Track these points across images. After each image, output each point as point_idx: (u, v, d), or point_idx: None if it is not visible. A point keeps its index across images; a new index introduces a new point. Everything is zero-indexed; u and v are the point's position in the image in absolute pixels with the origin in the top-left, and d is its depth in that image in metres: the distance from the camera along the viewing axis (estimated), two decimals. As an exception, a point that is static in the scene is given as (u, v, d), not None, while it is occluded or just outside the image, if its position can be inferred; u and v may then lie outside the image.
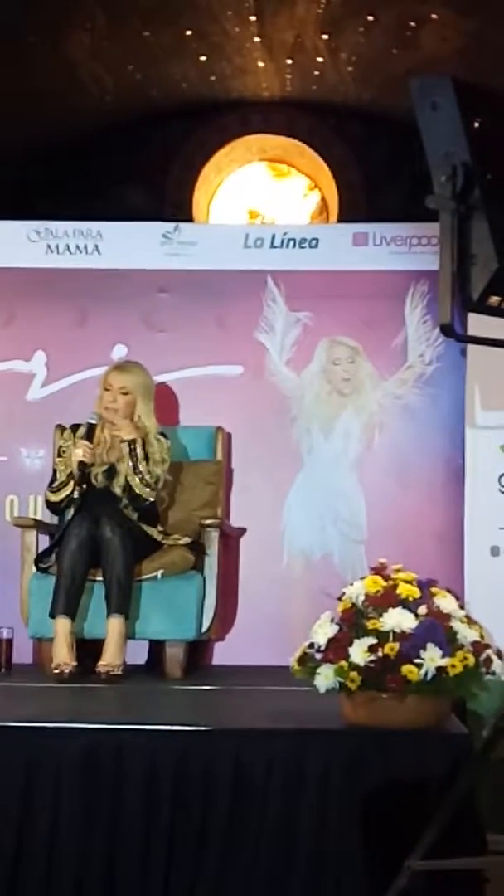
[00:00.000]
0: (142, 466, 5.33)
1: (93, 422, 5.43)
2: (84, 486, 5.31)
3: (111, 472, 5.39)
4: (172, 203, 8.18)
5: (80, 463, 5.30)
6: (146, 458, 5.36)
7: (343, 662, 3.45)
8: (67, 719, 3.73)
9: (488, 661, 3.51)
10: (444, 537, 5.95)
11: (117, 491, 5.34)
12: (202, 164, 8.32)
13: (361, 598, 3.54)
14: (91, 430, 5.41)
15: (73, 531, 5.17)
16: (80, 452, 5.32)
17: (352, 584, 3.61)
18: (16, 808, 3.44)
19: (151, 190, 8.17)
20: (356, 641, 3.45)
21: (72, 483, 5.33)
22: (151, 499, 5.37)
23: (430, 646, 3.42)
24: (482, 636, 3.54)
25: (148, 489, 5.33)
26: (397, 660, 3.41)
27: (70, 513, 5.38)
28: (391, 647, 3.41)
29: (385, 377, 6.23)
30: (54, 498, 5.41)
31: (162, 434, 5.49)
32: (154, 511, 5.46)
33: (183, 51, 7.32)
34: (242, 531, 6.10)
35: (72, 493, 5.35)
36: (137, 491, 5.31)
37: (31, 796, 3.45)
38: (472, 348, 5.69)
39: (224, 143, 8.33)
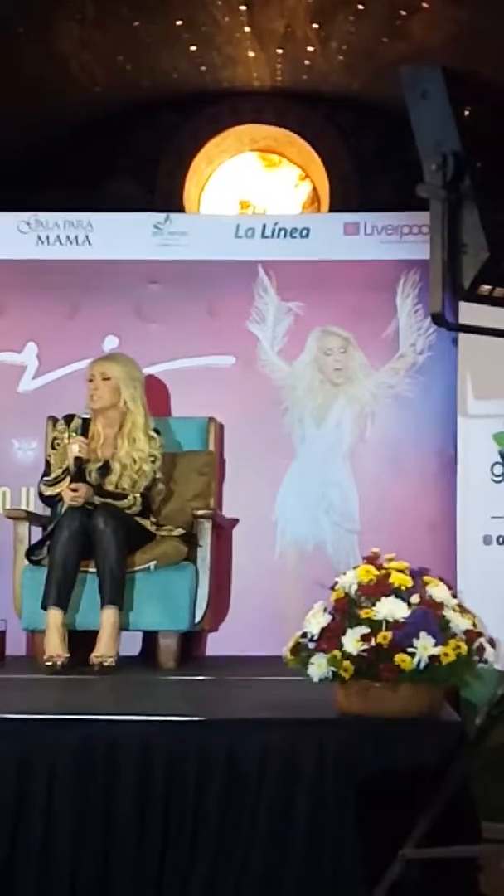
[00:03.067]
0: (126, 483, 5.33)
1: (87, 416, 5.41)
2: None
3: (105, 468, 5.39)
4: (163, 193, 8.16)
5: (77, 458, 5.29)
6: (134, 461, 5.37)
7: (336, 652, 3.45)
8: (61, 711, 3.74)
9: (481, 649, 3.52)
10: (437, 526, 5.96)
11: (110, 488, 5.34)
12: (193, 154, 8.30)
13: (354, 587, 3.55)
14: (86, 424, 5.39)
15: (65, 523, 5.17)
16: (75, 448, 5.30)
17: (344, 574, 3.62)
18: (9, 799, 3.44)
19: (142, 180, 8.16)
20: (349, 631, 3.46)
21: (68, 479, 5.30)
22: (131, 503, 5.35)
23: (422, 634, 3.42)
24: (475, 625, 3.55)
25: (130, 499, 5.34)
26: (390, 649, 3.41)
27: (63, 505, 5.37)
28: (384, 636, 3.42)
29: (377, 367, 6.23)
30: (50, 492, 5.40)
31: (155, 430, 5.48)
32: (147, 502, 5.46)
33: (173, 41, 7.30)
34: (235, 522, 6.10)
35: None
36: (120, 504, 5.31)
37: (25, 787, 3.45)
38: (463, 337, 5.69)
39: (215, 134, 8.31)
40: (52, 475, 5.40)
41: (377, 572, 3.56)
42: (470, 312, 3.00)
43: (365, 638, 3.43)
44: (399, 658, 3.40)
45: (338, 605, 3.55)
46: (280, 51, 7.51)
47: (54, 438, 5.53)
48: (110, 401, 5.45)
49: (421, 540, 5.80)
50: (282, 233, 6.32)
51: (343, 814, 3.40)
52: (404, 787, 3.38)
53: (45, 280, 6.28)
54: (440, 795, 3.10)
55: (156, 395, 5.94)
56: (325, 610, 3.57)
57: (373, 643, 3.42)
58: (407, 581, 3.53)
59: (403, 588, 3.52)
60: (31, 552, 5.39)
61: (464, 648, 3.46)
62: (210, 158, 8.41)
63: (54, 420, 5.66)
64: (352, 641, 3.43)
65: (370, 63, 7.43)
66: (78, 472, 5.28)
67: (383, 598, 3.49)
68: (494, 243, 2.79)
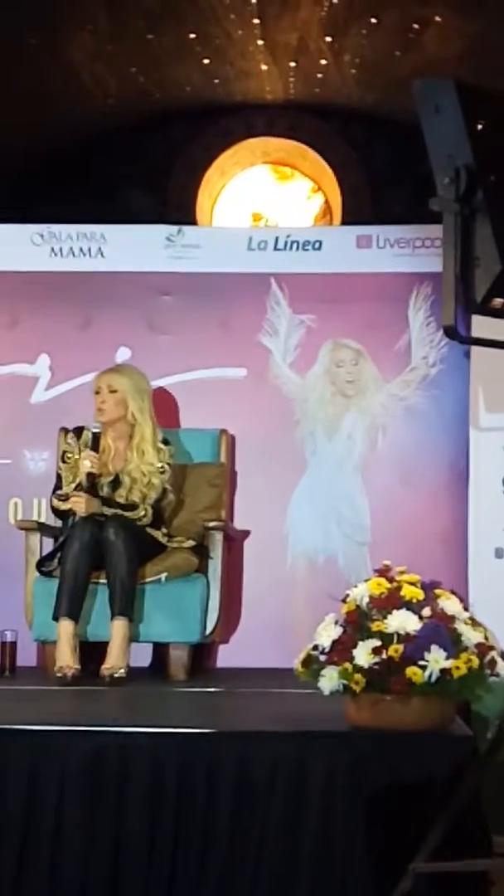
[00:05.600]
0: (136, 496, 5.34)
1: (97, 430, 5.41)
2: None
3: (116, 481, 5.39)
4: (176, 206, 8.18)
5: (89, 474, 5.29)
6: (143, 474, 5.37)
7: (347, 664, 3.45)
8: (71, 722, 3.74)
9: (493, 662, 3.51)
10: (448, 539, 5.95)
11: (120, 501, 5.34)
12: (205, 167, 8.32)
13: (365, 599, 3.54)
14: (96, 438, 5.40)
15: (76, 534, 5.17)
16: (87, 464, 5.30)
17: (356, 586, 3.62)
18: (20, 810, 3.45)
19: (155, 193, 8.18)
20: (360, 643, 3.46)
21: (81, 493, 5.30)
22: (141, 514, 5.35)
23: (434, 648, 3.42)
24: (486, 638, 3.55)
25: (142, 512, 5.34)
26: (401, 662, 3.41)
27: (75, 516, 5.37)
28: (395, 649, 3.41)
29: (389, 379, 6.23)
30: (63, 507, 5.39)
31: (164, 441, 5.49)
32: (158, 514, 5.46)
33: (186, 54, 7.32)
34: (246, 533, 6.10)
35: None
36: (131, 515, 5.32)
37: (36, 799, 3.45)
38: (475, 350, 5.69)
39: (227, 146, 8.33)
40: (64, 491, 5.41)
41: (388, 585, 3.56)
42: (482, 325, 3.01)
43: (376, 651, 3.43)
44: (410, 671, 3.40)
45: (349, 617, 3.55)
46: (293, 64, 7.52)
47: (64, 452, 5.53)
48: (117, 413, 5.45)
49: (432, 552, 5.79)
50: (294, 245, 6.32)
51: (353, 827, 3.40)
52: (415, 800, 3.38)
53: (58, 292, 6.29)
54: (451, 809, 3.10)
55: (168, 406, 5.95)
56: (336, 622, 3.57)
57: (384, 656, 3.42)
58: (418, 594, 3.53)
59: (415, 601, 3.52)
60: (43, 563, 5.40)
61: (475, 662, 3.45)
62: (223, 171, 8.43)
63: (65, 431, 5.67)
64: (363, 654, 3.43)
65: (383, 76, 7.44)
66: (90, 486, 5.28)
67: (395, 611, 3.48)
68: (507, 257, 2.80)
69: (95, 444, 5.39)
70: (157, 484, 5.40)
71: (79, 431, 5.52)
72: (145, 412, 5.48)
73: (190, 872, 3.42)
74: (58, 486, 5.48)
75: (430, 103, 2.88)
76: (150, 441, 5.45)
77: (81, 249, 6.32)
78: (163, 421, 5.65)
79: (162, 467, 5.42)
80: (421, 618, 3.48)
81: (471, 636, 3.50)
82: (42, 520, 5.86)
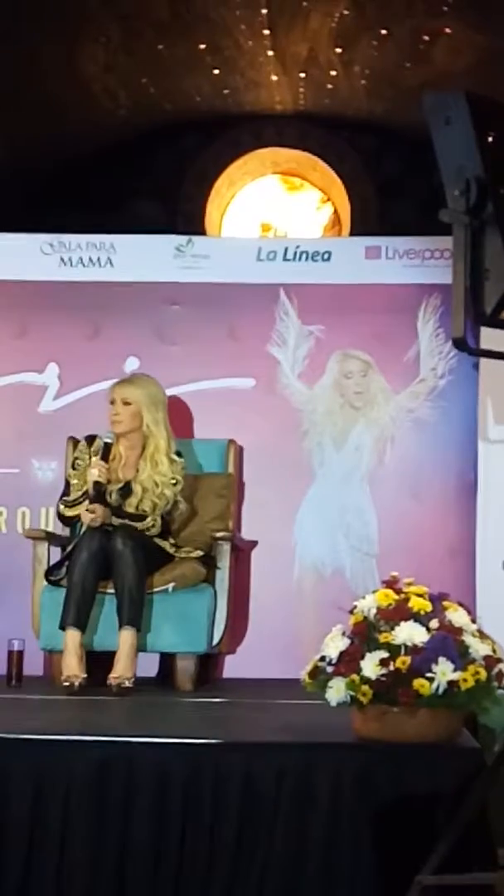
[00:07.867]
0: (147, 505, 5.34)
1: (108, 441, 5.42)
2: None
3: (126, 489, 5.39)
4: (185, 216, 8.19)
5: (96, 483, 5.29)
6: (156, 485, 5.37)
7: (354, 676, 3.44)
8: (78, 731, 3.73)
9: (500, 675, 3.51)
10: (456, 551, 5.94)
11: (130, 510, 5.34)
12: (215, 177, 8.33)
13: (373, 611, 3.54)
14: (107, 448, 5.41)
15: (84, 543, 5.18)
16: (95, 472, 5.31)
17: (363, 598, 3.61)
18: (26, 819, 3.44)
19: (164, 203, 8.19)
20: (368, 655, 3.45)
21: (87, 501, 5.31)
22: (150, 524, 5.35)
23: (441, 660, 3.41)
24: (494, 650, 3.54)
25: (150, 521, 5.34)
26: (409, 673, 3.41)
27: (83, 525, 5.38)
28: (403, 661, 3.41)
29: (397, 391, 6.23)
30: (69, 513, 5.41)
31: (177, 453, 5.48)
32: (166, 524, 5.46)
33: (196, 64, 7.33)
34: (254, 544, 6.09)
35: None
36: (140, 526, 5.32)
37: (42, 808, 3.45)
38: (484, 362, 5.69)
39: (237, 157, 8.34)
40: (72, 497, 5.42)
41: (396, 596, 3.56)
42: (491, 337, 3.01)
43: (383, 662, 3.42)
44: (418, 683, 3.40)
45: (356, 629, 3.54)
46: (303, 74, 7.53)
47: (75, 458, 5.54)
48: (131, 425, 5.46)
49: (440, 565, 5.78)
50: (303, 256, 6.32)
51: (359, 839, 3.39)
52: (421, 812, 3.37)
53: (67, 301, 6.29)
54: (457, 822, 3.09)
55: (176, 416, 5.94)
56: (343, 634, 3.57)
57: (391, 668, 3.42)
58: (426, 606, 3.53)
59: (422, 613, 3.52)
60: (50, 572, 5.40)
61: (483, 674, 3.45)
62: (232, 181, 8.44)
63: (75, 441, 5.68)
64: (370, 666, 3.43)
65: (393, 87, 7.45)
66: (97, 495, 5.29)
67: (402, 623, 3.48)
68: (517, 269, 2.80)
69: (106, 453, 5.40)
70: (170, 495, 5.40)
71: (91, 439, 5.53)
72: (160, 423, 5.48)
73: (196, 883, 3.41)
74: (66, 492, 5.49)
75: (440, 115, 2.88)
76: (164, 452, 5.44)
77: (91, 259, 6.33)
78: (177, 431, 5.65)
79: (174, 479, 5.41)
80: (428, 630, 3.48)
81: (478, 648, 3.50)
82: (50, 529, 5.85)
